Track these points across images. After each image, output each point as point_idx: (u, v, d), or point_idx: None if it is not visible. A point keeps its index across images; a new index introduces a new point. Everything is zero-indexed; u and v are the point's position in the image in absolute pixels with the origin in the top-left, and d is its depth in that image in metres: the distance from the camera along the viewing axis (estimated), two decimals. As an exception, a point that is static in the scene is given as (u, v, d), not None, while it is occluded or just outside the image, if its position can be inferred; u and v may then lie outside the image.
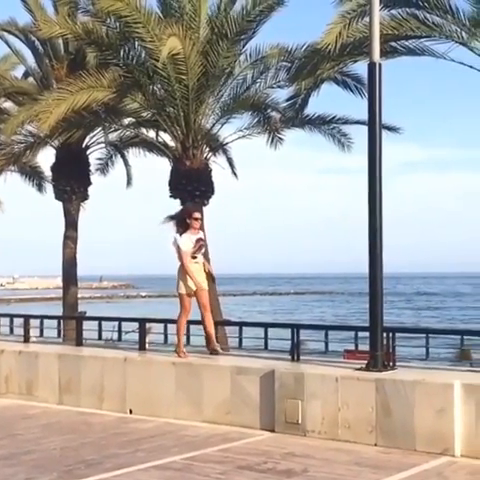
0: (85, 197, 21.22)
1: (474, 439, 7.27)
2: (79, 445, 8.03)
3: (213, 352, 9.56)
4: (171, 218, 10.33)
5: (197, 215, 9.77)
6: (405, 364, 8.65)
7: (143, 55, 16.71)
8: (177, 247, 9.63)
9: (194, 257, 9.61)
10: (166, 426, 8.85)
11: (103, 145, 21.47)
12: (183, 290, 9.61)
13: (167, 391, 9.32)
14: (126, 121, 19.21)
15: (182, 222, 9.72)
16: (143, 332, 10.71)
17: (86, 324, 11.67)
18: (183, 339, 9.80)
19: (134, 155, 22.01)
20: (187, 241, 9.60)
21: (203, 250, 9.80)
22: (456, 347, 9.10)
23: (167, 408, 9.29)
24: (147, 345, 10.81)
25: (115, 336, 11.54)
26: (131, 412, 9.60)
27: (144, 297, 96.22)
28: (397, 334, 8.70)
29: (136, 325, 11.03)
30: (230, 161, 20.50)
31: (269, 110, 17.98)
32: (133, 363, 9.83)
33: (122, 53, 16.87)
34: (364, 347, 8.57)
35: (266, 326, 9.86)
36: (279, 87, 17.42)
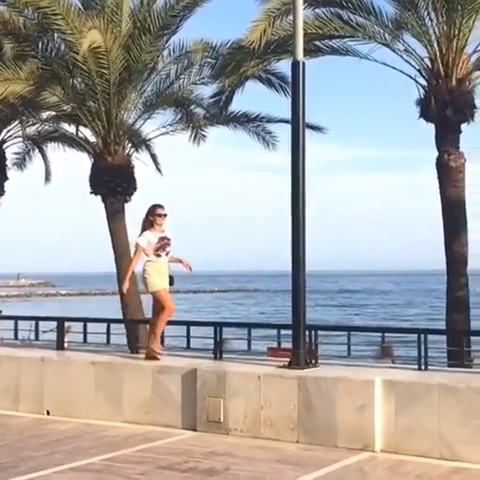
0: (1, 193, 20.60)
1: (394, 434, 7.37)
2: (-7, 448, 7.75)
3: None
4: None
5: (160, 211, 9.19)
6: (327, 361, 8.70)
7: (63, 48, 16.33)
8: (135, 244, 9.16)
9: (158, 255, 9.10)
10: (85, 427, 8.65)
11: (20, 139, 20.89)
12: (158, 286, 9.08)
13: (86, 391, 9.11)
14: (45, 115, 18.73)
15: (146, 221, 9.21)
16: (61, 331, 10.46)
17: (1, 323, 11.33)
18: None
19: (53, 150, 21.53)
20: (149, 236, 9.08)
21: (168, 249, 9.19)
22: (378, 344, 9.21)
23: (86, 409, 9.09)
24: (66, 344, 10.55)
25: (32, 336, 11.23)
26: (49, 413, 9.35)
27: (64, 295, 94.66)
28: (320, 332, 8.74)
29: (54, 324, 10.74)
30: (154, 157, 20.27)
31: (193, 107, 17.85)
32: (51, 363, 9.57)
33: (40, 45, 16.45)
34: (287, 345, 8.57)
35: (188, 324, 9.75)
36: (203, 84, 17.31)
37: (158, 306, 9.26)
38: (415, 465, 6.94)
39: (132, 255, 9.34)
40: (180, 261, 9.39)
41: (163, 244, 9.16)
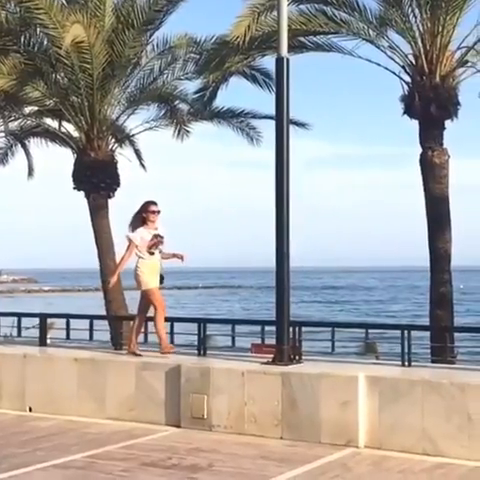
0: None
1: (377, 430, 7.38)
2: (-25, 446, 7.68)
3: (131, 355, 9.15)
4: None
5: (153, 208, 9.08)
6: (311, 358, 8.69)
7: (45, 42, 16.27)
8: (128, 239, 9.08)
9: (151, 253, 9.02)
10: (68, 424, 8.59)
11: (3, 134, 20.74)
12: (150, 284, 9.01)
13: (69, 388, 9.05)
14: (27, 110, 18.61)
15: (138, 217, 9.09)
16: (44, 328, 10.39)
17: (-17, 320, 11.22)
18: (165, 336, 9.15)
19: (36, 145, 21.38)
20: (143, 233, 9.00)
21: (161, 247, 9.11)
22: (362, 340, 9.22)
23: (69, 405, 9.03)
24: (48, 341, 10.49)
25: (15, 332, 11.14)
26: (31, 410, 9.29)
27: (47, 292, 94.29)
28: (304, 328, 8.73)
29: (37, 320, 10.67)
30: (137, 153, 20.21)
31: (177, 102, 17.82)
32: (33, 359, 9.50)
33: (23, 39, 16.39)
34: (271, 341, 8.56)
35: (172, 321, 9.72)
36: (187, 79, 17.28)
37: (146, 304, 9.25)
38: (398, 461, 6.95)
39: (124, 250, 9.23)
40: (175, 256, 9.34)
41: (156, 242, 9.11)
